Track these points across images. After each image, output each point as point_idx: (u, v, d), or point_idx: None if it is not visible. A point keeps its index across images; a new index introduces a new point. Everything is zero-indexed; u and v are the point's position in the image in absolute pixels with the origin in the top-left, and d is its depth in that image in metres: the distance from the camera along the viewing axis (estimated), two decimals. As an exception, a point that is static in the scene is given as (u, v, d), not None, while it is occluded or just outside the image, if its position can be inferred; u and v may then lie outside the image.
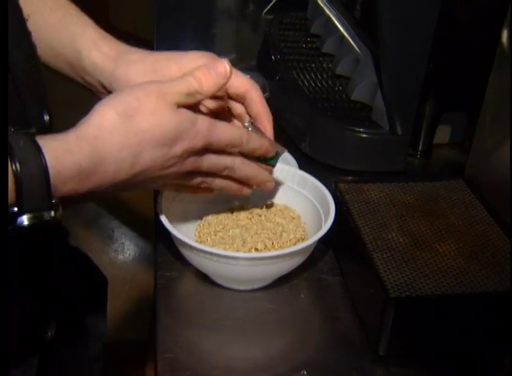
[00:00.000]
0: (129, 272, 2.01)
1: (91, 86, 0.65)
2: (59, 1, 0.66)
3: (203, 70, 0.56)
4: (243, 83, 0.64)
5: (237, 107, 0.66)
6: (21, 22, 0.55)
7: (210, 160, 0.58)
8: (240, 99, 0.65)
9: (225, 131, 0.57)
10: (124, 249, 2.11)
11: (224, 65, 0.57)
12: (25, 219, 0.45)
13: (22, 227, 0.45)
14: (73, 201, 0.50)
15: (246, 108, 0.65)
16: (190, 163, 0.56)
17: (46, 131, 0.56)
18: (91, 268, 0.72)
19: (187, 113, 0.54)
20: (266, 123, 0.65)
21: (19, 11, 0.55)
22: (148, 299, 1.91)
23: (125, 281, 1.96)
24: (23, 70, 0.53)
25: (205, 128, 0.55)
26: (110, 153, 0.50)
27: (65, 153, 0.47)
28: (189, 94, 0.55)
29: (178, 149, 0.54)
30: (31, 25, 0.57)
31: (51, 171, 0.45)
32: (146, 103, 0.52)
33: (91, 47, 0.64)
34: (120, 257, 2.08)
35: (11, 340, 0.49)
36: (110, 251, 2.09)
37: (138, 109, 0.51)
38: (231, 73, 0.57)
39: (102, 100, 0.53)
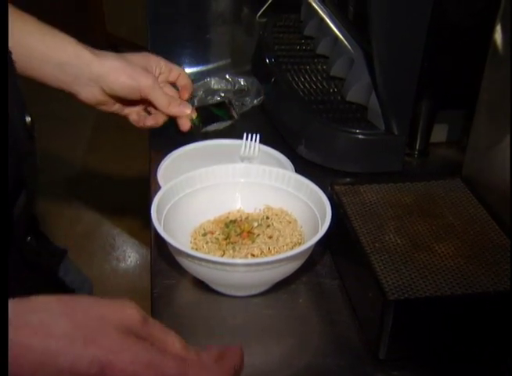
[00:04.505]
0: (131, 280, 2.00)
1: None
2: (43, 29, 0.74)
3: None
4: (176, 72, 0.84)
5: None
6: None
7: None
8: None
9: None
10: (125, 257, 2.10)
11: None
12: None
13: None
14: None
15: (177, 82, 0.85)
16: None
17: (29, 131, 0.56)
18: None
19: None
20: (185, 92, 0.84)
21: None
22: (149, 307, 1.90)
23: (127, 289, 1.95)
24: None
25: None
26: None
27: None
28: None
29: None
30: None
31: None
32: None
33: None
34: (122, 265, 2.07)
35: None
36: (112, 259, 2.08)
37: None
38: None
39: None
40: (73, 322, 0.41)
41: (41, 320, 0.41)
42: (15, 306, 0.41)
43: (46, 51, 0.72)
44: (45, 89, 0.76)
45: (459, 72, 0.83)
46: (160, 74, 0.83)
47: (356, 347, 0.62)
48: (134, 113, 0.84)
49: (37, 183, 0.68)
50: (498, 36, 0.67)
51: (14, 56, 0.60)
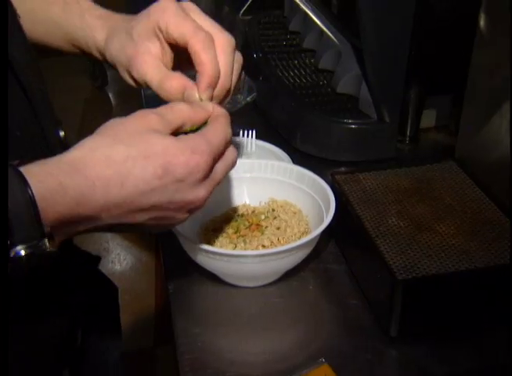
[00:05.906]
0: (127, 283, 2.01)
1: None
2: None
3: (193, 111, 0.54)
4: (183, 34, 0.58)
5: None
6: (27, 45, 0.56)
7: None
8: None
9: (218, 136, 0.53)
10: (120, 259, 2.11)
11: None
12: (21, 250, 0.43)
13: (19, 258, 0.43)
14: (72, 233, 0.48)
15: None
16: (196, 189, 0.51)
17: (63, 147, 0.57)
18: (102, 278, 0.74)
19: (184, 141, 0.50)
20: (205, 80, 0.58)
21: (23, 35, 0.55)
22: (148, 308, 1.91)
23: (124, 292, 1.95)
24: (38, 89, 0.54)
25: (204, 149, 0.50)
26: (93, 169, 0.46)
27: (46, 176, 0.45)
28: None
29: (178, 170, 0.49)
30: (31, 22, 0.59)
31: (36, 197, 0.43)
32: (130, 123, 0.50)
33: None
34: (118, 268, 2.08)
35: (47, 356, 0.50)
36: (107, 263, 2.09)
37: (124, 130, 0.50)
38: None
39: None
40: (125, 144, 0.48)
41: (102, 154, 0.47)
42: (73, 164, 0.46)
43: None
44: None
45: (445, 58, 0.86)
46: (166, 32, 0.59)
47: (367, 327, 0.65)
48: None
49: None
50: (482, 21, 0.70)
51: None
